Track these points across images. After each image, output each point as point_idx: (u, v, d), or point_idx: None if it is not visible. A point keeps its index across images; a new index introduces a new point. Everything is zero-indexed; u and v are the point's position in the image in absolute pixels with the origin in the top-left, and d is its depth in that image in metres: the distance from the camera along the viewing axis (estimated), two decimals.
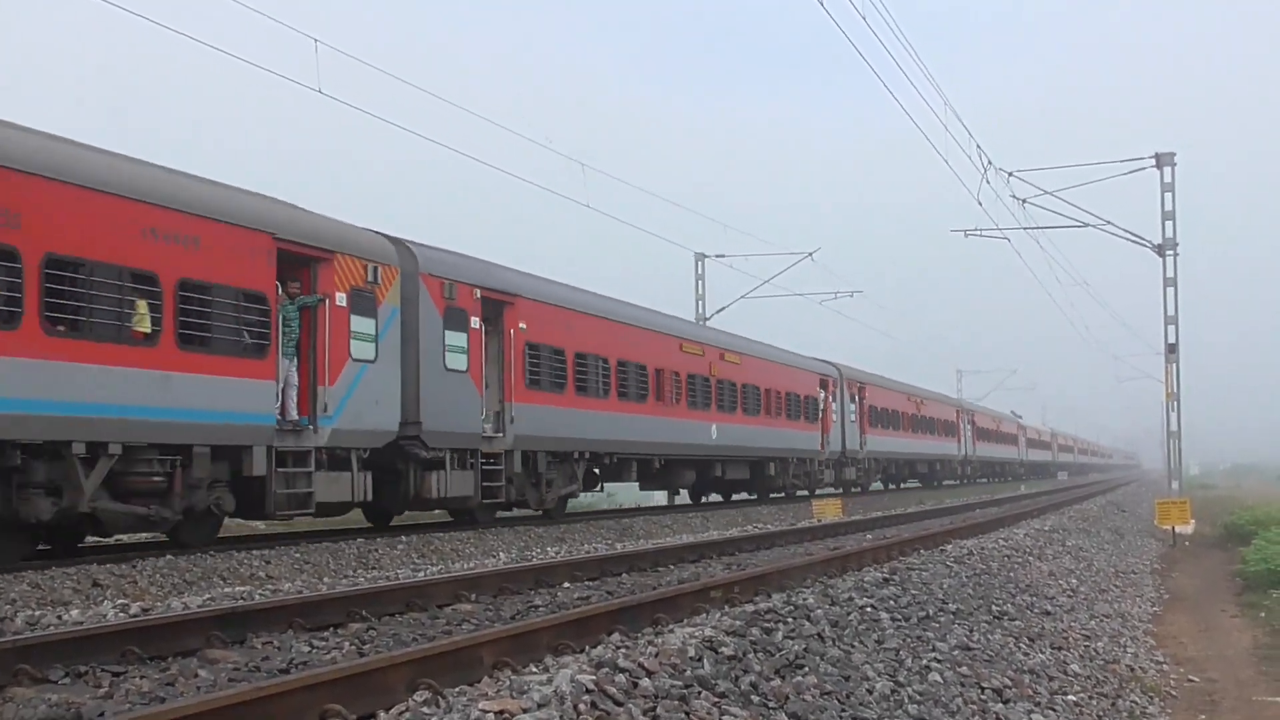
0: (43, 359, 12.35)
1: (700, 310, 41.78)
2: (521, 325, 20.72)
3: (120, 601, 10.48)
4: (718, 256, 41.40)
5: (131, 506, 13.80)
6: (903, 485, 51.00)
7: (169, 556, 14.17)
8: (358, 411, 16.73)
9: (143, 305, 13.47)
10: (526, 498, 21.40)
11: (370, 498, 17.46)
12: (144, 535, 16.51)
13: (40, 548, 14.23)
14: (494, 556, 16.17)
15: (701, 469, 29.53)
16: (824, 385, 38.13)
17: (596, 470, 24.28)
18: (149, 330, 13.56)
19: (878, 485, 47.25)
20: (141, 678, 6.82)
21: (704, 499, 34.11)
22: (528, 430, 20.72)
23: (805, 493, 35.89)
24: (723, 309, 41.91)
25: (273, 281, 15.40)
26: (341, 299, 16.52)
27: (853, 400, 40.73)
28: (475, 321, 19.54)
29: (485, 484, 19.58)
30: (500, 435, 20.13)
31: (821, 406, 37.52)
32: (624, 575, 12.99)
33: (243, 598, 10.19)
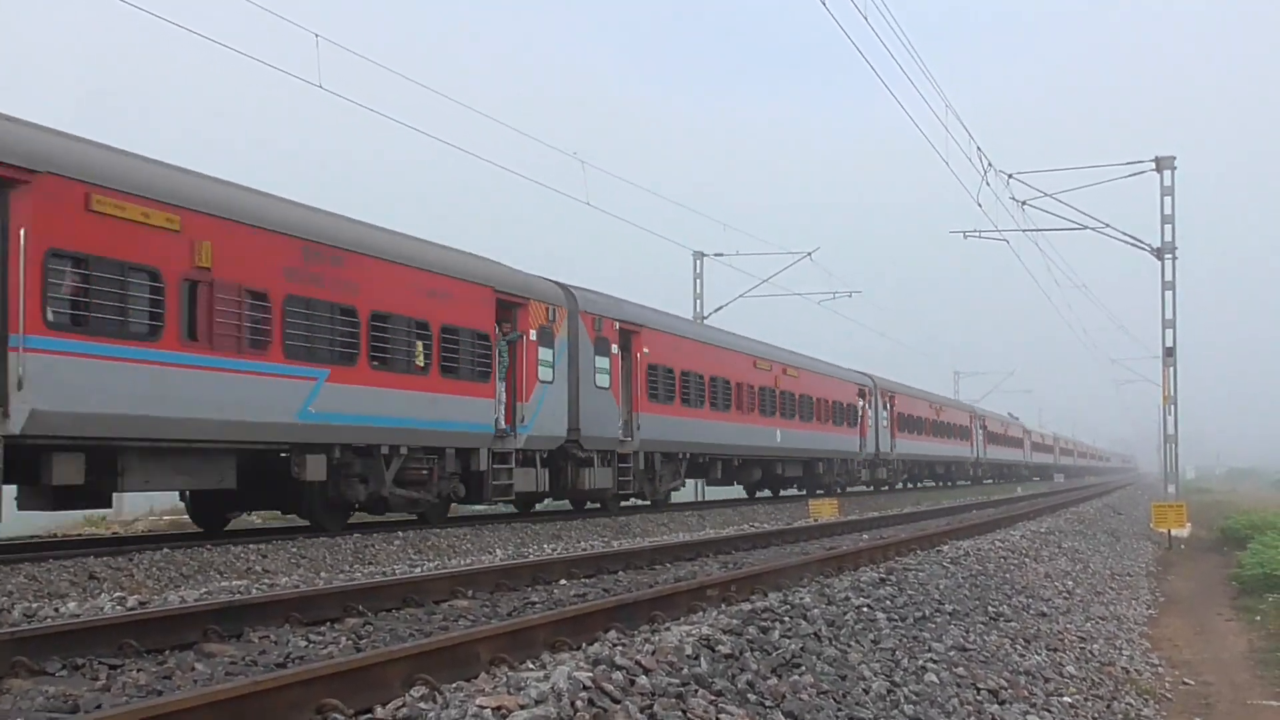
0: (369, 386, 17.36)
1: (698, 309, 41.79)
2: (645, 350, 25.66)
3: (117, 595, 10.49)
4: (716, 255, 41.51)
5: (409, 492, 18.71)
6: (919, 485, 53.90)
7: (165, 550, 14.17)
8: (542, 422, 21.75)
9: (420, 346, 18.47)
10: (644, 490, 26.08)
11: (547, 488, 22.60)
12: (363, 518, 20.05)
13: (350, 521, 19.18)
14: (490, 553, 16.18)
15: (767, 468, 34.34)
16: (862, 394, 42.73)
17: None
18: (424, 364, 18.53)
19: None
20: (139, 671, 6.82)
21: (758, 494, 37.80)
22: (649, 435, 25.60)
23: (846, 489, 41.70)
24: (720, 308, 41.96)
25: (493, 324, 20.48)
26: (533, 335, 21.72)
27: (885, 408, 45.35)
28: (615, 348, 24.57)
29: (620, 479, 24.60)
30: (630, 439, 24.85)
31: (860, 414, 42.22)
32: (620, 573, 13.00)
33: (239, 592, 10.19)
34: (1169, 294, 32.24)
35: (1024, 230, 33.32)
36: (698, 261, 42.09)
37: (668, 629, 7.53)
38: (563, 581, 11.88)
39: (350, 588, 9.79)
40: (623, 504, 26.17)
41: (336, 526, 18.14)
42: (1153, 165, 31.86)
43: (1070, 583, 16.09)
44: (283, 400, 15.68)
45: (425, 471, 18.83)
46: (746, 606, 8.43)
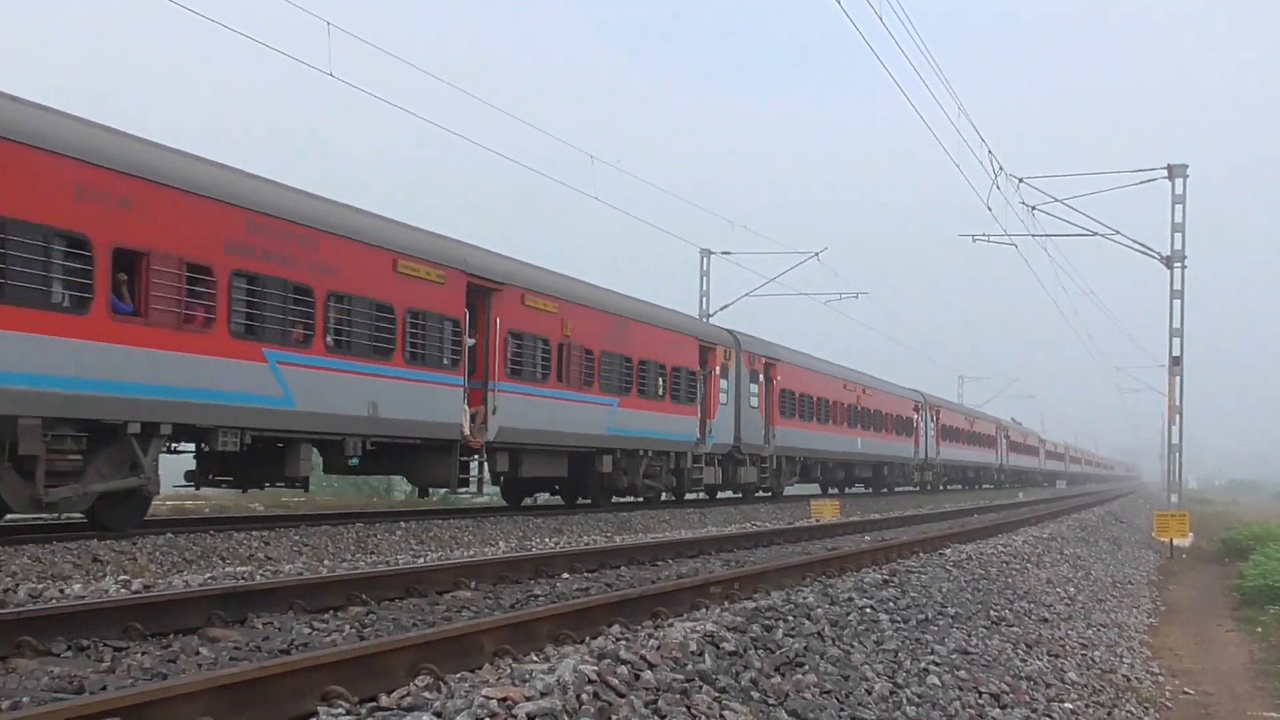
0: (643, 411, 25.60)
1: (704, 307, 41.76)
2: (779, 377, 33.80)
3: (121, 578, 10.50)
4: (724, 253, 41.49)
5: (650, 482, 26.13)
6: (947, 487, 58.79)
7: (169, 535, 14.20)
8: (720, 434, 29.51)
9: (661, 379, 26.22)
10: (773, 485, 34.17)
11: (720, 481, 30.15)
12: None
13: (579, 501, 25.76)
14: (493, 545, 16.19)
15: (849, 469, 42.90)
16: (916, 409, 50.90)
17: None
18: (661, 393, 26.06)
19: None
20: (143, 654, 6.83)
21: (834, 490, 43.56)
22: (782, 442, 33.87)
23: (906, 487, 51.32)
24: (726, 306, 41.95)
25: (698, 363, 28.35)
26: (717, 369, 29.38)
27: (931, 420, 53.55)
28: (761, 378, 32.59)
29: (760, 476, 32.47)
30: (768, 446, 32.74)
31: (914, 425, 50.46)
32: (623, 568, 13.00)
33: (243, 578, 10.21)
34: (1177, 303, 32.21)
35: (1033, 235, 33.31)
36: (704, 259, 42.05)
37: (671, 625, 7.54)
38: (565, 575, 11.89)
39: (354, 576, 9.80)
40: (757, 494, 33.89)
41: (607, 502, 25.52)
42: (1165, 173, 31.83)
43: (1072, 589, 16.09)
44: (597, 419, 23.27)
45: (658, 468, 26.33)
46: (750, 604, 8.44)
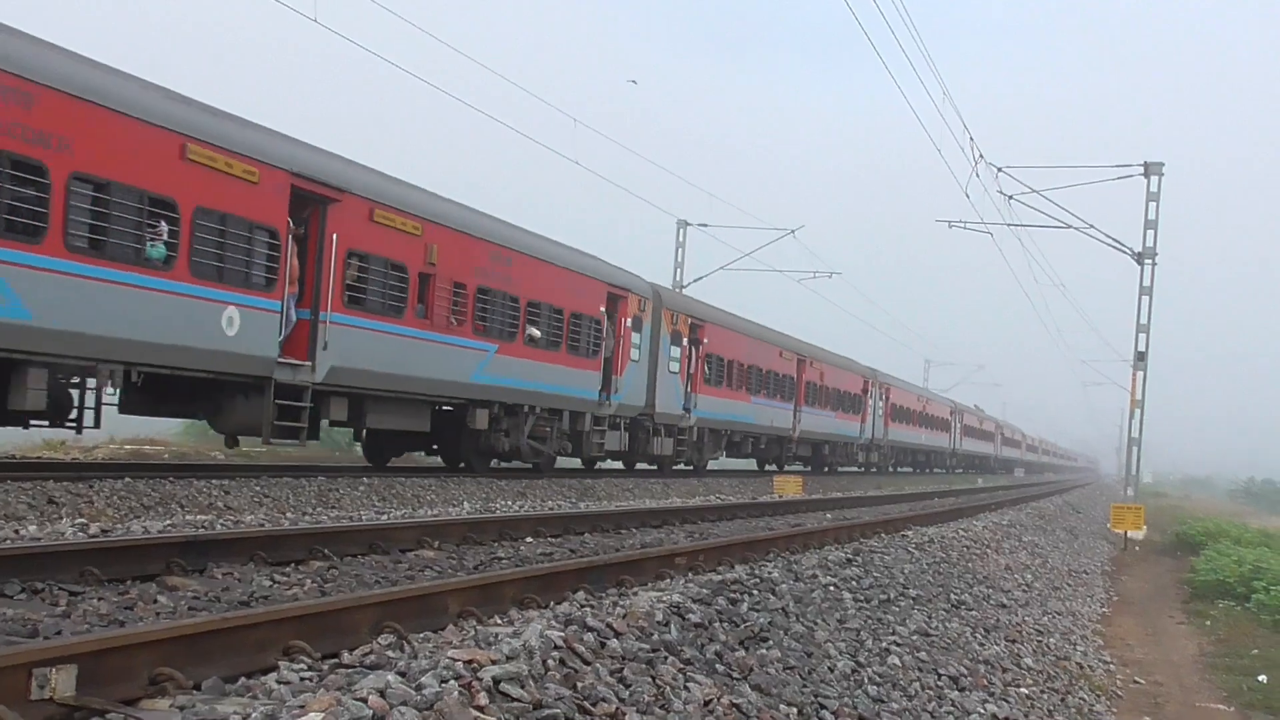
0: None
1: (679, 278, 41.67)
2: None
3: (78, 521, 10.34)
4: (700, 225, 41.34)
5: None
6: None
7: (127, 479, 14.01)
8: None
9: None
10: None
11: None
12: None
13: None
14: (457, 505, 16.10)
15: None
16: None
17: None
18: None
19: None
20: (99, 599, 6.70)
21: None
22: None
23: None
24: (700, 279, 41.86)
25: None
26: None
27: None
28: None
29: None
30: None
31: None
32: (587, 535, 12.94)
33: (204, 527, 10.06)
34: (1146, 299, 32.38)
35: (1009, 225, 33.39)
36: (681, 230, 41.93)
37: (636, 594, 7.48)
38: (529, 539, 11.81)
39: (316, 530, 9.68)
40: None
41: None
42: (1141, 170, 31.94)
43: (1029, 576, 16.19)
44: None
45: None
46: (715, 577, 8.39)
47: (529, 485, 20.30)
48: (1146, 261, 32.02)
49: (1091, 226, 32.20)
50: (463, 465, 21.94)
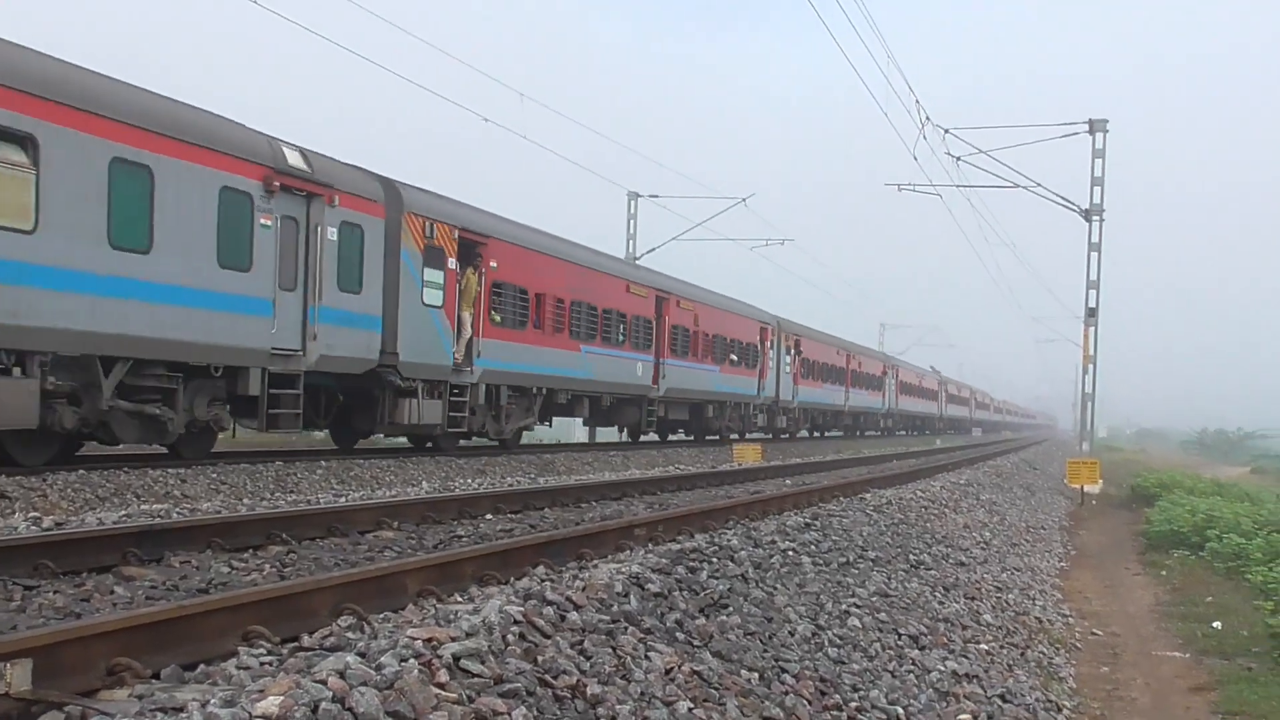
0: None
1: (631, 250, 41.64)
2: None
3: (31, 515, 10.25)
4: (651, 196, 41.30)
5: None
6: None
7: (81, 472, 13.88)
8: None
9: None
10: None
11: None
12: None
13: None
14: (416, 485, 16.07)
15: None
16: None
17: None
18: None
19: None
20: (55, 592, 6.67)
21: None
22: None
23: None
24: (653, 250, 41.84)
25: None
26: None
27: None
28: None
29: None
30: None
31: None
32: (547, 510, 12.97)
33: (159, 516, 10.00)
34: (1095, 255, 32.77)
35: (958, 186, 33.61)
36: (632, 202, 41.90)
37: (596, 566, 7.52)
38: (489, 516, 11.83)
39: (274, 515, 9.65)
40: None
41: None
42: (1086, 127, 32.26)
43: (988, 534, 16.38)
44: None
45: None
46: (674, 546, 8.44)
47: (488, 462, 20.29)
48: (1094, 218, 32.38)
49: (1039, 185, 32.50)
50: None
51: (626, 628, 5.88)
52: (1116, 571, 17.71)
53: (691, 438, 35.37)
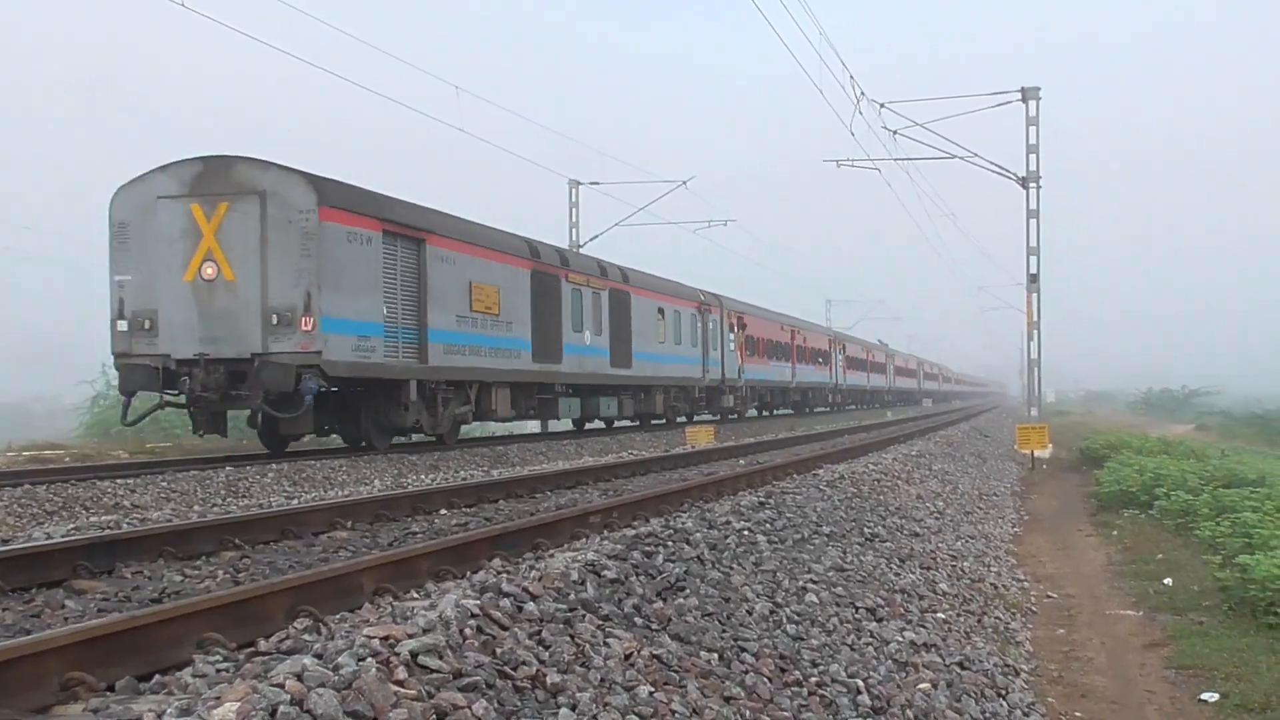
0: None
1: (574, 238, 41.58)
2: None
3: None
4: (592, 184, 41.25)
5: None
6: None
7: (26, 486, 13.71)
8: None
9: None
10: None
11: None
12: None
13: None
14: (368, 484, 16.01)
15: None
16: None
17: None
18: None
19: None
20: (4, 610, 6.59)
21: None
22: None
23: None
24: (595, 237, 41.80)
25: None
26: None
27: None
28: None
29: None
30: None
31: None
32: (501, 502, 12.97)
33: (109, 527, 9.90)
34: (1033, 222, 33.13)
35: (895, 159, 33.80)
36: (573, 190, 41.82)
37: (552, 556, 7.54)
38: (443, 511, 11.82)
39: (225, 520, 9.59)
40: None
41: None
42: (1019, 95, 32.56)
43: (941, 503, 16.55)
44: None
45: None
46: (630, 532, 8.47)
47: (441, 457, 20.23)
48: (1031, 185, 32.72)
49: (976, 155, 32.78)
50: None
51: (584, 615, 5.90)
52: (1069, 534, 17.97)
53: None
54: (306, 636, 5.55)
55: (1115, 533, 17.45)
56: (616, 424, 32.85)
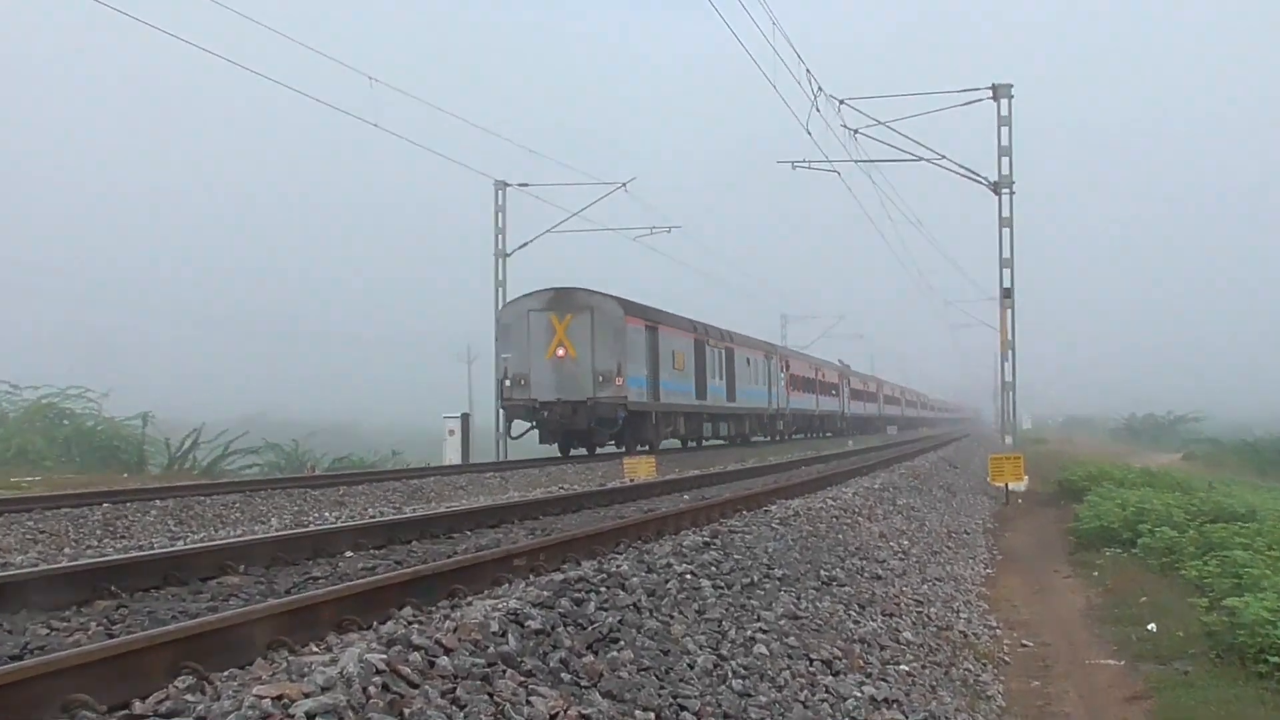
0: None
1: (500, 245, 41.55)
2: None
3: None
4: (521, 186, 41.19)
5: None
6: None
7: None
8: None
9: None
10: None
11: None
12: None
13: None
14: (264, 523, 15.84)
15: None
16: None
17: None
18: None
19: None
20: None
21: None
22: None
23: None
24: (525, 244, 41.77)
25: None
26: None
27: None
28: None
29: None
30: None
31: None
32: (415, 543, 12.89)
33: None
34: (1006, 231, 33.49)
35: (856, 161, 34.11)
36: (500, 192, 41.77)
37: (470, 604, 7.49)
38: (349, 553, 11.71)
39: (101, 565, 9.43)
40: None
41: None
42: (989, 93, 32.98)
43: (906, 542, 16.67)
44: None
45: None
46: (558, 576, 8.45)
47: (347, 493, 20.09)
48: (1004, 190, 33.12)
49: (943, 158, 33.19)
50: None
51: (505, 670, 5.87)
52: (1046, 575, 18.18)
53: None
54: (189, 697, 5.46)
55: (1095, 573, 17.68)
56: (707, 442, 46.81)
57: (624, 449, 36.00)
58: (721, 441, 47.87)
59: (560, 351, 34.12)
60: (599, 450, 36.75)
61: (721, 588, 9.35)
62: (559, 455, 36.14)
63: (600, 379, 33.91)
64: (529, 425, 35.43)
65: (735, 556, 10.67)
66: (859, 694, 8.20)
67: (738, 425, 49.63)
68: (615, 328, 34.54)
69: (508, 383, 34.61)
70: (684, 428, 42.11)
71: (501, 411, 36.75)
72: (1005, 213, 33.34)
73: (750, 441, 52.21)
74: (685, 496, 19.80)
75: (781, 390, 56.00)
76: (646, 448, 36.99)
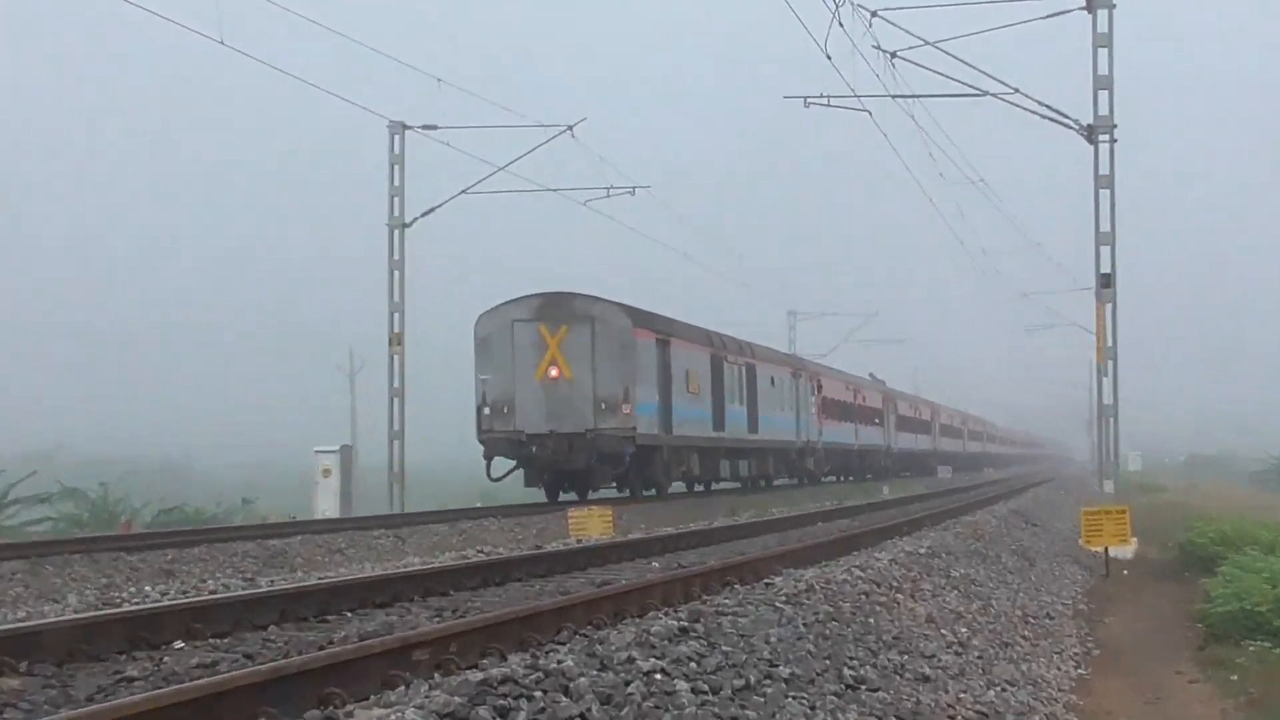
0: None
1: (396, 210, 41.43)
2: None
3: None
4: (425, 129, 40.80)
5: None
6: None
7: None
8: None
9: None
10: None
11: None
12: None
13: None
14: (58, 601, 15.72)
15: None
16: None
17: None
18: None
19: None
20: None
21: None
22: None
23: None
24: (434, 209, 41.62)
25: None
26: None
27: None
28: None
29: None
30: None
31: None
32: (274, 627, 12.85)
33: None
34: (1105, 193, 33.10)
35: (893, 96, 34.10)
36: (396, 138, 41.59)
37: (351, 715, 7.44)
38: (179, 645, 11.67)
39: None
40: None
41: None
42: (1084, 3, 32.65)
43: (964, 630, 16.65)
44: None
45: None
46: (475, 676, 8.39)
47: (176, 559, 19.98)
48: (1101, 137, 32.78)
49: (1016, 90, 33.18)
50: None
51: None
52: (1163, 677, 18.17)
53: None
54: None
55: (1235, 676, 17.65)
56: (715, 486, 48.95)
57: (628, 492, 38.33)
58: (734, 484, 49.52)
59: (553, 372, 36.30)
60: (590, 495, 37.93)
61: (704, 693, 9.30)
62: (546, 500, 38.04)
63: (603, 406, 35.96)
64: (514, 465, 37.56)
65: (724, 648, 10.63)
66: None
67: (759, 463, 51.46)
68: (622, 342, 36.67)
69: (487, 410, 36.60)
70: (698, 466, 43.95)
71: (481, 446, 38.11)
72: (1104, 169, 33.03)
73: (772, 485, 54.16)
74: (654, 564, 19.79)
75: (812, 418, 57.98)
76: (654, 491, 39.41)
